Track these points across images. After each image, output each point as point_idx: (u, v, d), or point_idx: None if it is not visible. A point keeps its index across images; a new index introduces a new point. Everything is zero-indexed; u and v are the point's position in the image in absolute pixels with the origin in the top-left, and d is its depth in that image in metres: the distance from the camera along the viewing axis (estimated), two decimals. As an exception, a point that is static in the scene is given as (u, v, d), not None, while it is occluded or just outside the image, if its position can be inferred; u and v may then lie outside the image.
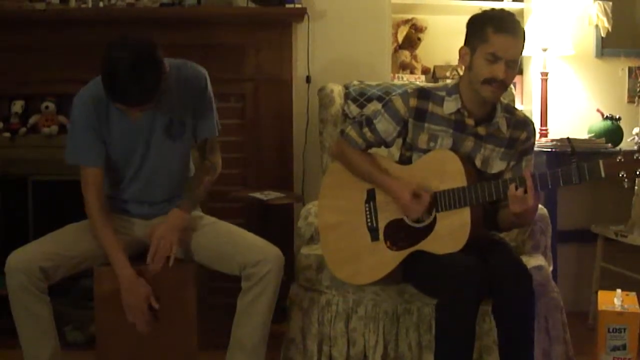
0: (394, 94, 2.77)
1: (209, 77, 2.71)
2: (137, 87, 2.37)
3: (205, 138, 2.76)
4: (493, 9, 2.55)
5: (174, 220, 2.66)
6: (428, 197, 2.54)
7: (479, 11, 2.59)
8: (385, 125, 2.68)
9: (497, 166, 2.63)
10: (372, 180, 2.69)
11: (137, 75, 2.35)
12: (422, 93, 2.66)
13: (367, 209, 2.71)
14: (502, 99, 2.63)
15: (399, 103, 2.66)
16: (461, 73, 2.67)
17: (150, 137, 2.64)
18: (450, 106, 2.61)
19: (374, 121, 2.70)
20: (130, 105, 2.44)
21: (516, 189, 2.40)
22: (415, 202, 2.56)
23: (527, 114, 2.75)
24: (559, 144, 3.61)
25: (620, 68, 4.00)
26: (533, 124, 2.70)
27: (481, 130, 2.61)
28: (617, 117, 3.82)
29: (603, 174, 2.28)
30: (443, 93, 2.64)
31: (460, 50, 2.57)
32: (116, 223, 2.68)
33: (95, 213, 2.62)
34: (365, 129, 2.71)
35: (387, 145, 2.75)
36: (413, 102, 2.65)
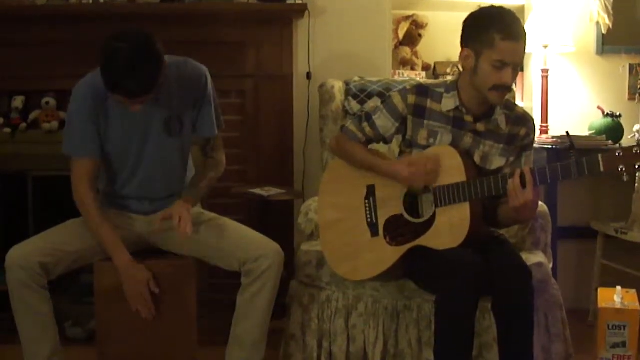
0: (392, 90, 2.77)
1: (209, 75, 2.71)
2: (136, 77, 2.37)
3: (208, 137, 2.76)
4: (493, 9, 2.52)
5: (180, 204, 2.63)
6: (423, 161, 2.54)
7: (477, 9, 2.57)
8: (383, 122, 2.68)
9: (497, 162, 2.62)
10: (371, 167, 2.69)
11: (135, 66, 2.35)
12: (420, 90, 2.66)
13: (366, 205, 2.71)
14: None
15: (397, 100, 2.66)
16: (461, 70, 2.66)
17: (148, 132, 2.64)
18: (448, 103, 2.61)
19: (373, 117, 2.70)
20: (129, 96, 2.42)
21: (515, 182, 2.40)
22: (414, 170, 2.56)
23: (528, 111, 2.75)
24: (559, 140, 3.61)
25: (621, 65, 3.99)
26: (533, 120, 2.70)
27: (480, 127, 2.61)
28: (618, 114, 3.81)
29: (602, 169, 2.27)
30: (441, 90, 2.64)
31: (463, 51, 2.55)
32: (116, 219, 2.68)
33: (89, 204, 2.61)
34: (365, 124, 2.71)
35: (386, 141, 2.75)
36: (411, 99, 2.65)
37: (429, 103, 2.64)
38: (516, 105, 2.74)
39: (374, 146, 2.79)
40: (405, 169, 2.58)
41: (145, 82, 2.40)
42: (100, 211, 2.63)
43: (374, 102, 3.34)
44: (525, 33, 2.50)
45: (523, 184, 2.38)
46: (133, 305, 2.59)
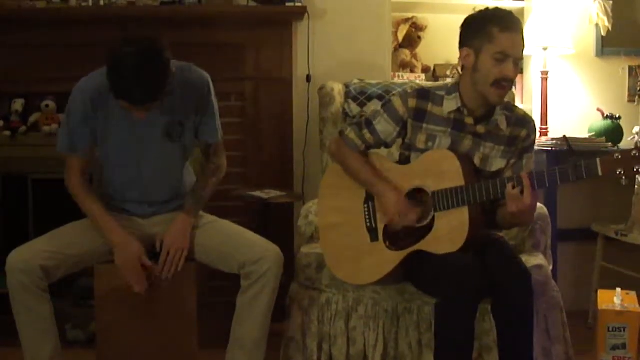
0: (393, 94, 2.77)
1: (211, 81, 2.72)
2: (142, 85, 2.36)
3: (209, 143, 2.77)
4: (487, 8, 2.55)
5: (182, 226, 2.67)
6: (414, 217, 2.57)
7: (474, 12, 2.59)
8: (384, 126, 2.68)
9: (497, 164, 2.62)
10: (365, 184, 2.70)
11: (143, 74, 2.35)
12: (421, 93, 2.67)
13: (366, 209, 2.71)
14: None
15: (398, 103, 2.67)
16: (461, 72, 2.67)
17: (149, 136, 2.64)
18: (450, 105, 2.61)
19: (374, 122, 2.70)
20: (134, 103, 2.42)
21: (513, 187, 2.40)
22: (401, 217, 2.58)
23: (527, 113, 2.75)
24: (559, 143, 3.61)
25: (620, 67, 4.00)
26: (533, 122, 2.70)
27: (480, 128, 2.61)
28: (618, 116, 3.82)
29: (600, 172, 2.27)
30: (442, 92, 2.64)
31: (462, 52, 2.56)
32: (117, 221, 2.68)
33: (77, 186, 2.65)
34: (365, 131, 2.71)
35: (387, 145, 2.75)
36: (412, 102, 2.65)
37: (430, 106, 2.64)
38: (516, 107, 2.74)
39: (374, 149, 2.79)
40: (394, 205, 2.59)
41: (151, 89, 2.40)
42: (89, 192, 2.66)
43: (374, 105, 3.34)
44: (522, 26, 2.52)
45: (521, 189, 2.38)
46: (126, 279, 2.59)
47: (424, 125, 2.63)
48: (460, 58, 2.60)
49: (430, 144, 2.62)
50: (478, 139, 2.62)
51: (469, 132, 2.61)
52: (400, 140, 2.73)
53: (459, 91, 2.61)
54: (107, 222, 2.62)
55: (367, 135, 2.71)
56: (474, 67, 2.53)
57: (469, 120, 2.61)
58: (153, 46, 2.39)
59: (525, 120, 2.67)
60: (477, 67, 2.52)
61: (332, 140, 2.89)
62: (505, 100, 2.68)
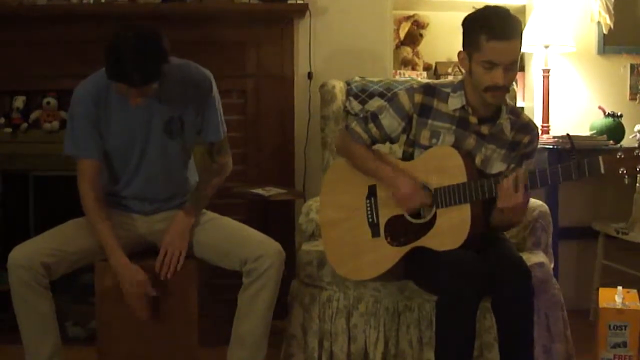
0: (399, 89, 2.76)
1: (214, 80, 2.72)
2: (139, 64, 2.38)
3: (212, 141, 2.77)
4: (483, 10, 2.50)
5: (181, 226, 2.67)
6: (429, 195, 2.55)
7: (473, 11, 2.57)
8: (390, 121, 2.68)
9: (497, 167, 2.62)
10: (374, 173, 2.69)
11: (140, 53, 2.37)
12: (427, 89, 2.66)
13: (368, 205, 2.71)
14: (507, 100, 2.62)
15: (404, 99, 2.66)
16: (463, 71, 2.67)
17: (149, 133, 2.64)
18: (455, 102, 2.61)
19: (380, 116, 2.70)
20: (131, 84, 2.42)
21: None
22: (414, 195, 2.56)
23: (529, 111, 2.75)
24: (560, 141, 3.61)
25: (622, 65, 4.00)
26: (537, 129, 2.70)
27: (484, 129, 2.61)
28: (619, 114, 3.82)
29: (603, 170, 2.27)
30: (448, 89, 2.63)
31: (459, 54, 2.56)
32: (117, 220, 2.68)
33: (90, 204, 2.62)
34: (371, 125, 2.71)
35: (392, 141, 2.75)
36: (418, 98, 2.64)
37: (436, 103, 2.64)
38: (522, 112, 2.73)
39: (377, 146, 2.79)
40: (407, 186, 2.57)
41: (150, 71, 2.41)
42: (99, 211, 2.63)
43: (375, 102, 3.34)
44: (517, 32, 2.47)
45: (515, 186, 2.38)
46: (129, 306, 2.59)
47: (429, 122, 2.63)
48: (458, 59, 2.60)
49: (434, 140, 2.62)
50: (481, 140, 2.61)
51: (472, 131, 2.61)
52: (404, 137, 2.73)
53: (464, 89, 2.61)
54: (111, 248, 2.59)
55: (373, 130, 2.71)
56: (468, 71, 2.53)
57: (473, 120, 2.60)
58: (150, 30, 2.43)
59: (529, 127, 2.66)
60: (470, 71, 2.52)
61: (338, 134, 2.88)
62: (512, 104, 2.67)
